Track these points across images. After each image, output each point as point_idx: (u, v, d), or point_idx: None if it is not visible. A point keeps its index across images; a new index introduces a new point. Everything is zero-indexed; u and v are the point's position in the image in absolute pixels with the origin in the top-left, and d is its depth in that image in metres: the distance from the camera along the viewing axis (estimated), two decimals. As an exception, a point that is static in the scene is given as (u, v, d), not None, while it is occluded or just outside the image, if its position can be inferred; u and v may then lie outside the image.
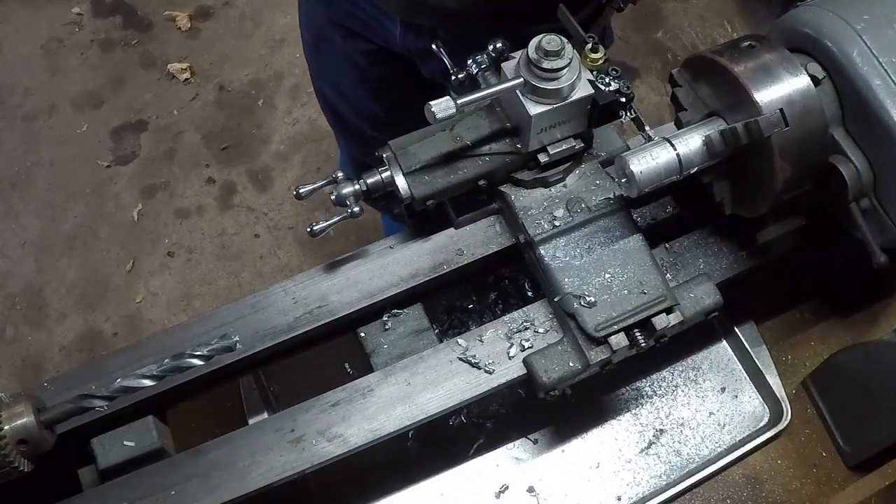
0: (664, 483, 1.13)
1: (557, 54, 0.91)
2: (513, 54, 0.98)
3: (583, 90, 0.94)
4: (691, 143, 0.91)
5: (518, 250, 1.04)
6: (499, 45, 1.01)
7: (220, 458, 0.94)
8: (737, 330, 1.20)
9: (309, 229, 0.98)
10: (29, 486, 0.89)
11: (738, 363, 1.21)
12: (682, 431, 1.17)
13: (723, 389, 1.20)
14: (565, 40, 0.92)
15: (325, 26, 1.61)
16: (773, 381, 1.17)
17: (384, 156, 1.00)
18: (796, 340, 1.25)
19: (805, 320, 1.26)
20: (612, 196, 1.00)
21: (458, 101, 0.88)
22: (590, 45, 0.97)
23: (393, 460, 1.14)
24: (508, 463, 1.16)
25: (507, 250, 1.05)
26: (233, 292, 2.77)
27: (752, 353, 1.19)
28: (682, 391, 1.20)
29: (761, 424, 1.17)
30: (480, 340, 0.98)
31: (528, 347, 0.97)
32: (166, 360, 0.88)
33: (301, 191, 1.00)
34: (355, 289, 1.02)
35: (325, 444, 0.94)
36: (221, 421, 1.09)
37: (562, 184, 1.02)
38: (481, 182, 1.01)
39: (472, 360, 0.97)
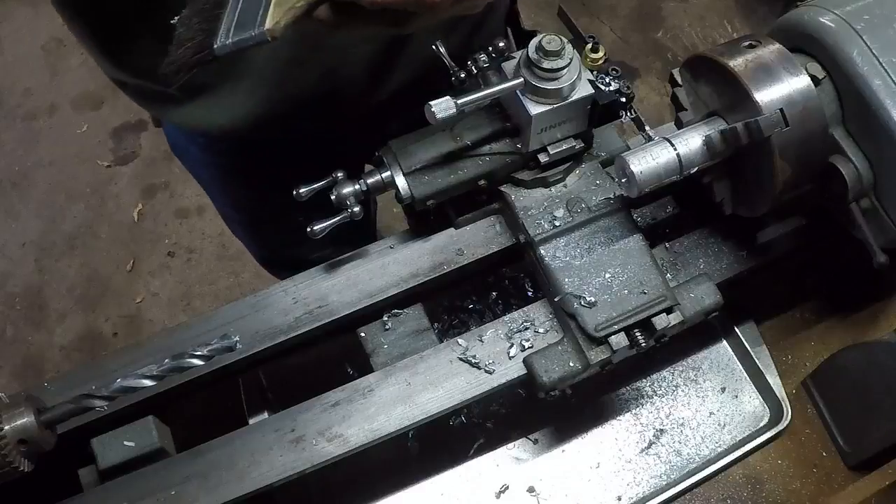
0: (664, 483, 1.13)
1: (557, 54, 0.91)
2: (513, 54, 0.98)
3: (583, 90, 0.94)
4: (691, 143, 0.91)
5: (518, 250, 1.04)
6: (500, 44, 1.01)
7: (220, 458, 0.94)
8: (737, 330, 1.20)
9: (309, 229, 0.98)
10: (29, 486, 0.89)
11: (738, 363, 1.21)
12: (682, 431, 1.17)
13: (723, 389, 1.20)
14: (565, 40, 0.92)
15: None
16: (773, 381, 1.17)
17: (384, 156, 1.00)
18: (796, 340, 1.25)
19: (805, 320, 1.26)
20: (612, 196, 1.00)
21: (458, 101, 0.88)
22: (590, 45, 0.97)
23: (393, 460, 1.14)
24: (508, 463, 1.16)
25: (507, 250, 1.05)
26: (233, 292, 2.77)
27: (752, 353, 1.18)
28: (682, 391, 1.20)
29: (761, 424, 1.17)
30: (480, 340, 0.98)
31: (529, 347, 0.97)
32: (166, 360, 0.88)
33: (301, 191, 1.00)
34: (355, 289, 1.02)
35: (325, 444, 0.94)
36: (221, 421, 1.09)
37: (562, 184, 1.02)
38: (481, 182, 1.01)
39: (472, 360, 0.97)
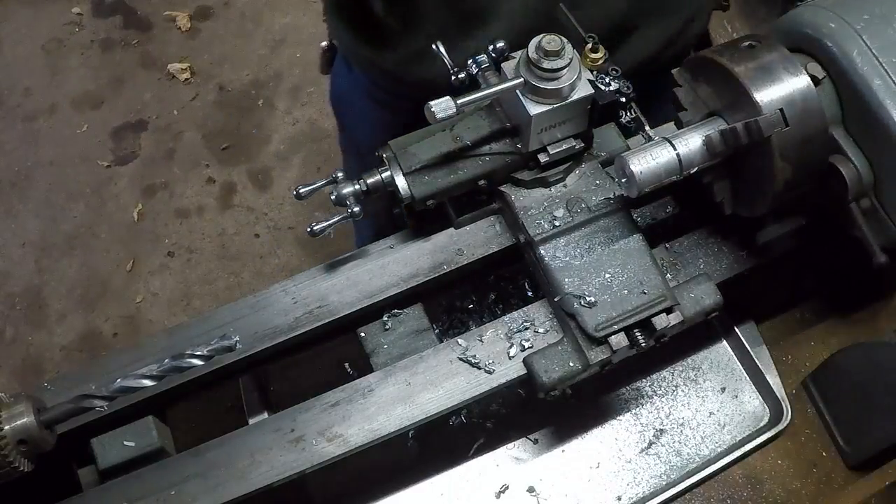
0: (664, 483, 1.13)
1: (557, 54, 0.91)
2: (513, 54, 0.98)
3: (583, 90, 0.94)
4: (691, 143, 0.91)
5: (518, 250, 1.04)
6: (499, 44, 1.01)
7: (220, 458, 0.94)
8: (737, 330, 1.20)
9: (309, 229, 0.98)
10: (29, 486, 0.89)
11: (738, 363, 1.21)
12: (682, 431, 1.17)
13: (723, 389, 1.20)
14: (565, 40, 0.92)
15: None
16: (773, 381, 1.17)
17: (384, 156, 1.00)
18: (796, 340, 1.25)
19: (805, 320, 1.26)
20: (612, 196, 1.00)
21: (458, 101, 0.88)
22: (590, 45, 0.97)
23: (393, 460, 1.14)
24: (508, 463, 1.16)
25: (507, 250, 1.05)
26: (233, 292, 2.77)
27: (752, 353, 1.19)
28: (682, 391, 1.20)
29: (761, 424, 1.17)
30: (480, 340, 0.98)
31: (528, 347, 0.97)
32: (166, 360, 0.88)
33: (301, 191, 1.00)
34: (355, 289, 1.02)
35: (325, 444, 0.94)
36: (221, 421, 1.09)
37: (562, 184, 1.02)
38: (481, 182, 1.01)
39: (472, 360, 0.97)
